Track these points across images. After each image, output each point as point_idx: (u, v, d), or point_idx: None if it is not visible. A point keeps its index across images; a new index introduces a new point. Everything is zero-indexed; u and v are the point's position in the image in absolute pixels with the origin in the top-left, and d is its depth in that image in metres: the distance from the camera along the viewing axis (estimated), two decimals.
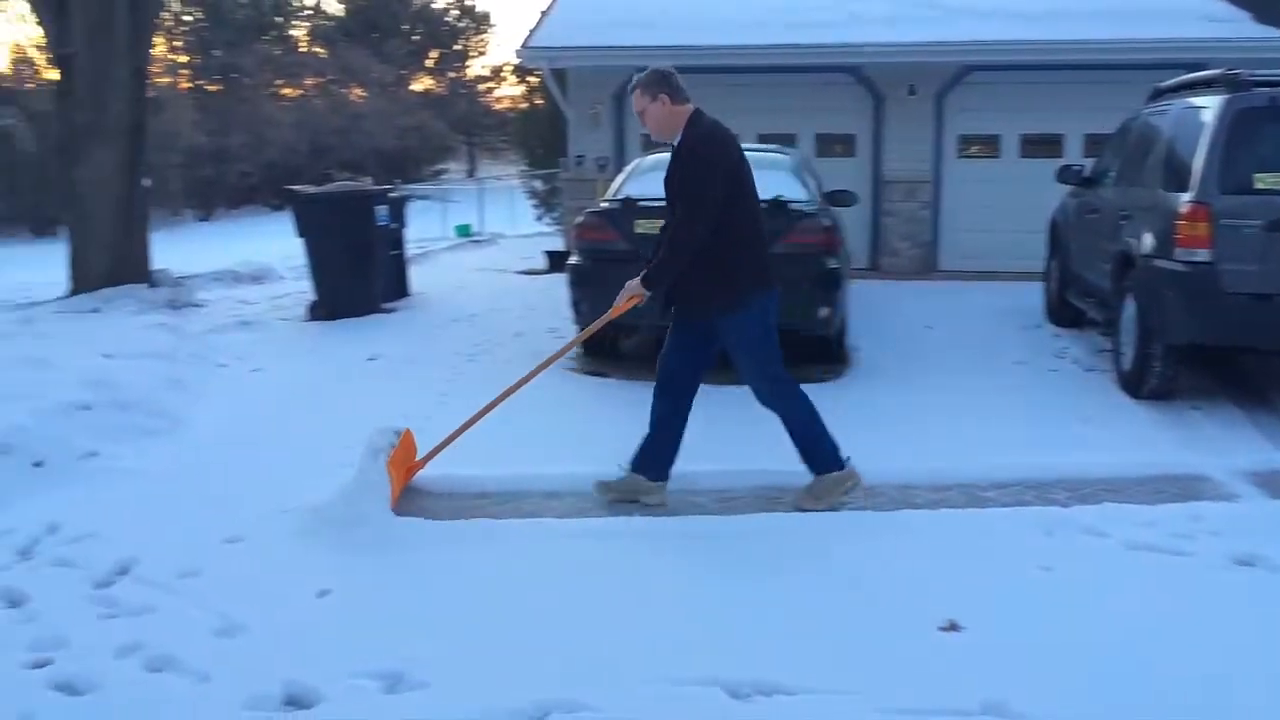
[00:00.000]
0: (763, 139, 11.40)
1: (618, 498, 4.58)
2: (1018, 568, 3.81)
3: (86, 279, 9.74)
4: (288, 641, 3.27)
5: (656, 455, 4.58)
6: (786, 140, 11.27)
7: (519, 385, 4.81)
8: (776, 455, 4.73)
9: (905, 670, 3.06)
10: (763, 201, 6.60)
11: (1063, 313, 8.63)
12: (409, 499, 4.60)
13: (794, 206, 6.90)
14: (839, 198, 7.98)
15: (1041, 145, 12.00)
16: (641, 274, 4.37)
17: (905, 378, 7.06)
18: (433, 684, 2.99)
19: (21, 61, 32.51)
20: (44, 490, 4.73)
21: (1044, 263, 9.22)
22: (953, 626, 3.32)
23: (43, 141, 25.89)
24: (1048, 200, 9.37)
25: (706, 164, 4.18)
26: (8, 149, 27.54)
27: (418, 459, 4.83)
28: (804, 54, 11.63)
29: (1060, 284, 8.64)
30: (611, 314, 4.58)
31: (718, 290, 4.28)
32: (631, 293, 4.40)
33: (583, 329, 7.54)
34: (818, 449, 4.48)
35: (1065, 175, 8.49)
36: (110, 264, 9.75)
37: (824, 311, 6.79)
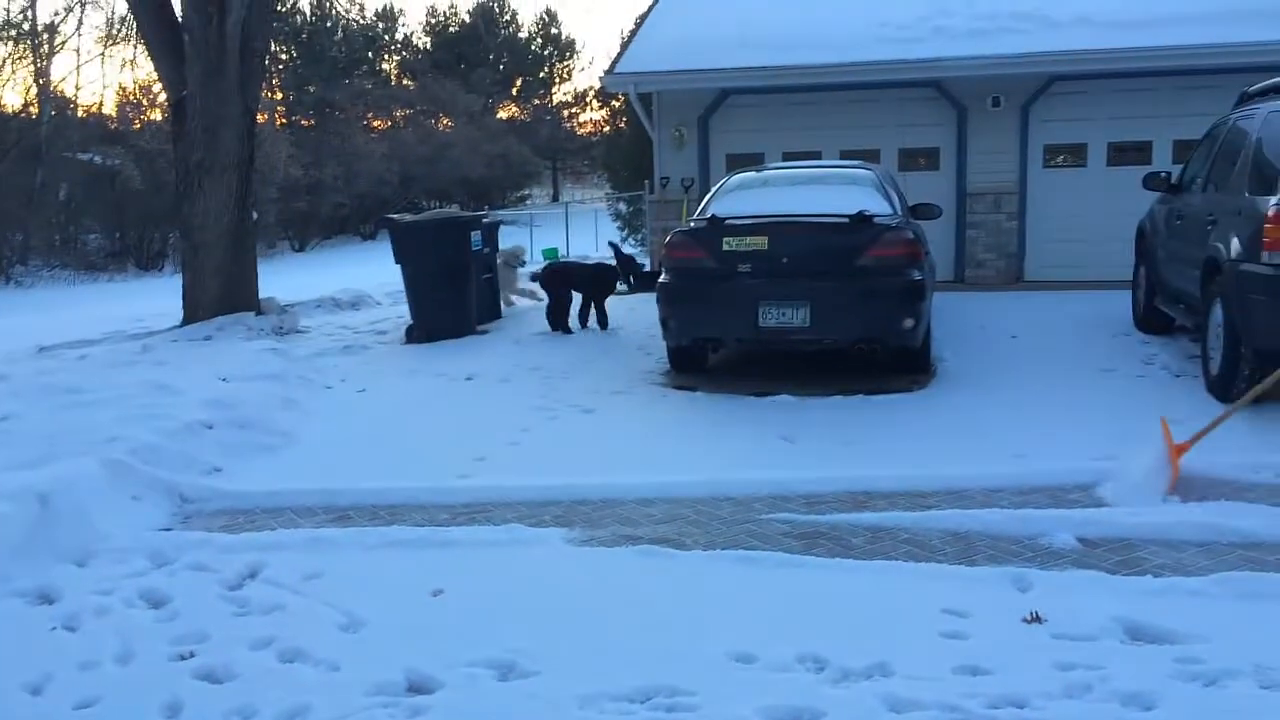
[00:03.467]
0: (846, 155, 11.52)
1: None
2: None
3: (199, 308, 10.24)
4: (406, 635, 3.52)
5: None
6: (870, 156, 11.36)
7: None
8: (865, 460, 4.84)
9: None
10: (845, 216, 6.89)
11: (1151, 320, 8.57)
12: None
13: (878, 220, 7.04)
14: (923, 210, 8.11)
15: (1129, 153, 11.85)
16: None
17: (988, 387, 7.09)
18: (543, 672, 3.21)
19: (127, 104, 33.87)
20: None
21: (1132, 270, 9.17)
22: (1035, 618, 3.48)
23: (149, 180, 27.02)
24: (1136, 208, 9.33)
25: None
26: (115, 188, 28.64)
27: None
28: (886, 70, 11.72)
29: (1148, 291, 8.58)
30: None
31: None
32: None
33: (670, 346, 7.77)
34: None
35: (1152, 181, 8.39)
36: (221, 293, 10.25)
37: (908, 323, 6.89)
